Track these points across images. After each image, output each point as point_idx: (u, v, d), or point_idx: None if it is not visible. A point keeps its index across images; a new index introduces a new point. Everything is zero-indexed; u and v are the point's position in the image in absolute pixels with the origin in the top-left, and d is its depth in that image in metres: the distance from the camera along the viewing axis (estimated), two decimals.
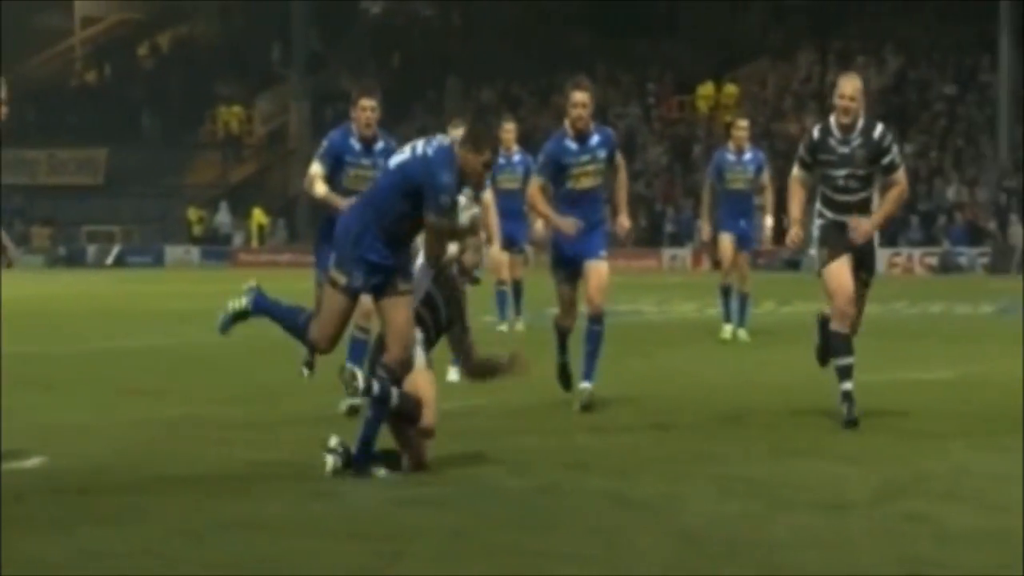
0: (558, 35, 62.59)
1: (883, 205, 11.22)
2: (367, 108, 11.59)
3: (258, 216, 61.06)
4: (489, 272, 19.43)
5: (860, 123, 11.09)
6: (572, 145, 11.93)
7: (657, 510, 7.79)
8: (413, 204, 8.82)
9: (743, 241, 18.59)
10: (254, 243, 60.77)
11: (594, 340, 11.93)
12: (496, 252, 16.71)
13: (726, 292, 18.66)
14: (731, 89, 57.63)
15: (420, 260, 9.10)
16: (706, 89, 58.31)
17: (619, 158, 12.24)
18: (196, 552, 6.92)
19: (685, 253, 50.43)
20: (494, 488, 8.46)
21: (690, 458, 9.45)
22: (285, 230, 62.30)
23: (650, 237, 51.97)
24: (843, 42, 57.73)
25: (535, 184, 12.14)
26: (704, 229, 19.16)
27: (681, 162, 55.02)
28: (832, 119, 11.16)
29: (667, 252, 50.78)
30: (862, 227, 11.07)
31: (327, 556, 6.86)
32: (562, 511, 7.80)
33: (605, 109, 61.25)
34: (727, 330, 18.55)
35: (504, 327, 19.02)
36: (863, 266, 11.18)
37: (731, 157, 18.49)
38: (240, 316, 9.47)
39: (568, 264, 12.01)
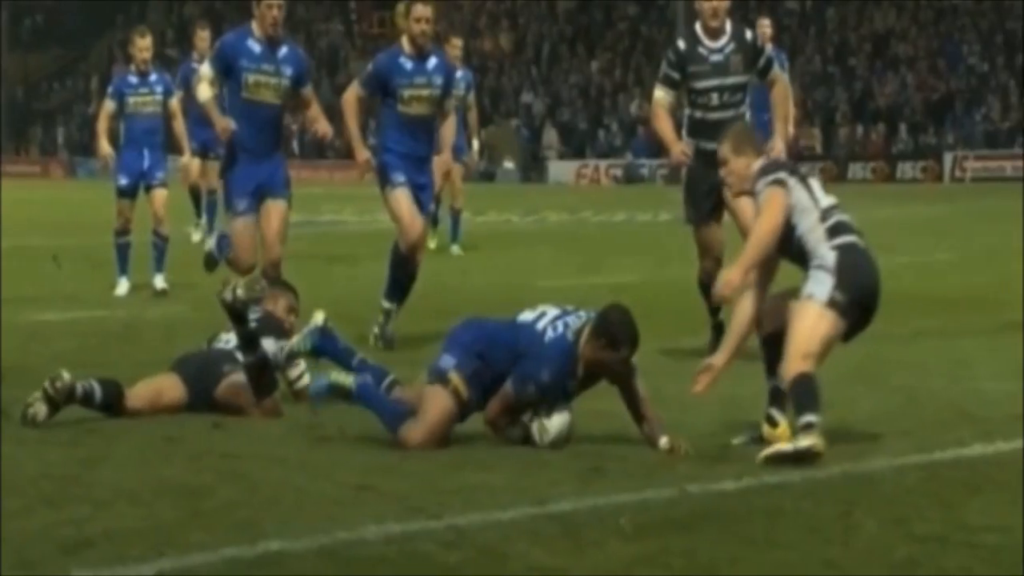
0: None
1: (775, 110, 10.24)
2: (274, 5, 10.49)
3: None
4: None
5: (728, 25, 10.03)
6: (407, 64, 10.87)
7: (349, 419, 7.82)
8: None
9: (453, 154, 18.83)
10: None
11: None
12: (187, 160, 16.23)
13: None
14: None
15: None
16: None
17: (449, 105, 11.13)
18: None
19: None
20: None
21: (393, 363, 9.69)
22: None
23: (349, 149, 51.94)
24: None
25: (353, 92, 11.03)
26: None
27: None
28: (697, 26, 10.07)
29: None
30: (776, 148, 9.75)
31: (24, 462, 6.87)
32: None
33: (309, 24, 61.01)
34: (430, 244, 18.93)
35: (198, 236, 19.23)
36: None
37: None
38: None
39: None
